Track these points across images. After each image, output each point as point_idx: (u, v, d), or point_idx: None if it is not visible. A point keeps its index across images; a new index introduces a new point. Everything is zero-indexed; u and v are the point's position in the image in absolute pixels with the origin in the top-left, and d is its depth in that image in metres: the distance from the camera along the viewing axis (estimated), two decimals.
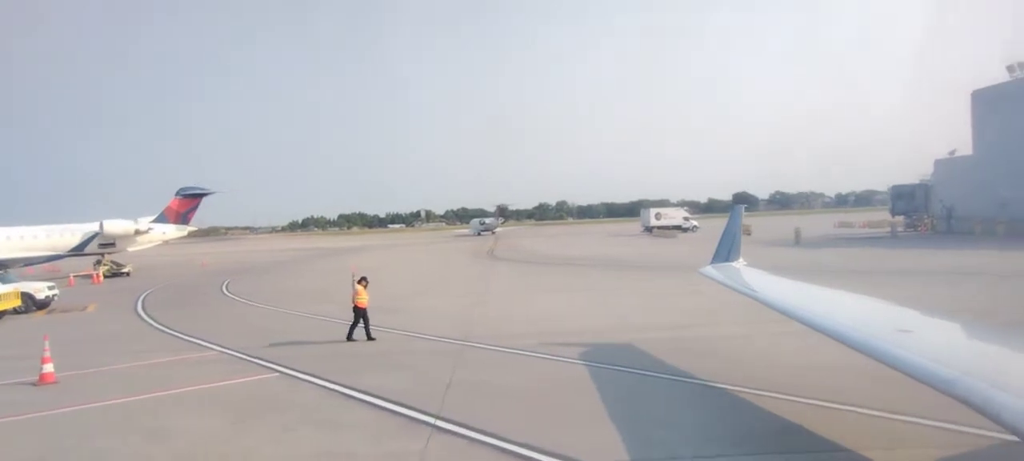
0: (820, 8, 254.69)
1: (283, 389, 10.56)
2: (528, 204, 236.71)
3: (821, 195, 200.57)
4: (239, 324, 18.36)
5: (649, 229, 77.05)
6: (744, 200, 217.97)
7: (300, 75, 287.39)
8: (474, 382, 10.45)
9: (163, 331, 17.49)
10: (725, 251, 11.10)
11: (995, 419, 3.63)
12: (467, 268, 37.35)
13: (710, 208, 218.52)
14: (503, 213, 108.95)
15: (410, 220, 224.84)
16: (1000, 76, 48.03)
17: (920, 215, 56.60)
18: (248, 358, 13.04)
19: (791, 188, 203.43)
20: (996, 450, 6.29)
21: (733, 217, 11.84)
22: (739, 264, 10.70)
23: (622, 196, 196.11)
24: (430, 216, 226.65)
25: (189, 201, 45.48)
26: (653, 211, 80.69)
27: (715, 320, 15.24)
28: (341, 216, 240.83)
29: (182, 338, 16.00)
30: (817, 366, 10.08)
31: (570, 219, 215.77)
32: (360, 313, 13.98)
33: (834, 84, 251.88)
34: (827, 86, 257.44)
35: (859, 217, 78.48)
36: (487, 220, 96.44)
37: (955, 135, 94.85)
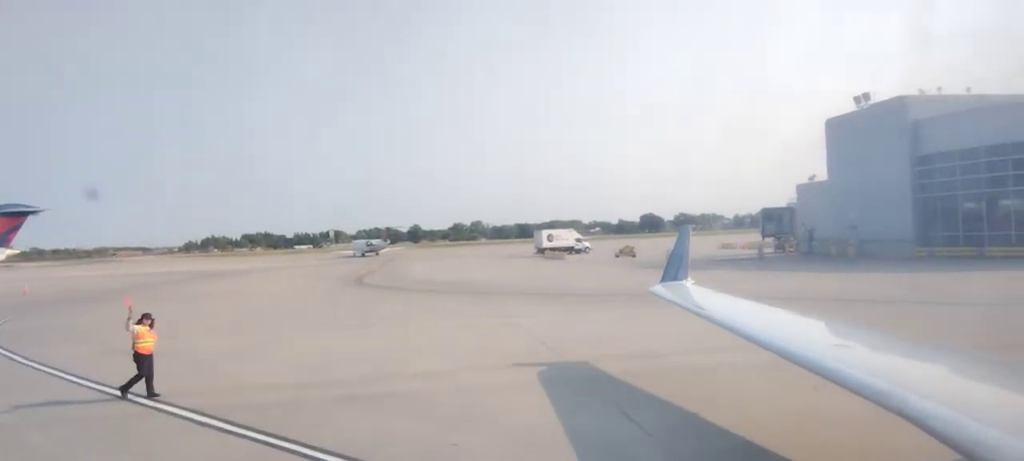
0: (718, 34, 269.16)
1: None
2: (444, 224, 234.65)
3: (721, 217, 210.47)
4: None
5: (541, 251, 76.99)
6: (652, 222, 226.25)
7: (212, 86, 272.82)
8: None
9: None
10: (673, 270, 11.19)
11: (925, 428, 3.72)
12: (313, 296, 35.02)
13: (620, 229, 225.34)
14: (392, 235, 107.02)
15: (319, 240, 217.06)
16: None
17: (787, 237, 59.32)
18: None
19: (694, 210, 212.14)
20: None
21: (681, 237, 11.99)
22: (688, 283, 10.77)
23: (538, 217, 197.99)
24: (340, 236, 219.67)
25: (9, 221, 40.39)
26: (545, 233, 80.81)
27: (497, 377, 13.81)
28: (244, 236, 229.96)
29: None
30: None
31: (483, 239, 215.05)
32: (142, 362, 11.14)
33: (730, 105, 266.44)
34: (723, 108, 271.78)
35: (743, 238, 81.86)
36: (374, 241, 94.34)
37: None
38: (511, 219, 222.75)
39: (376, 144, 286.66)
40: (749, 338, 6.75)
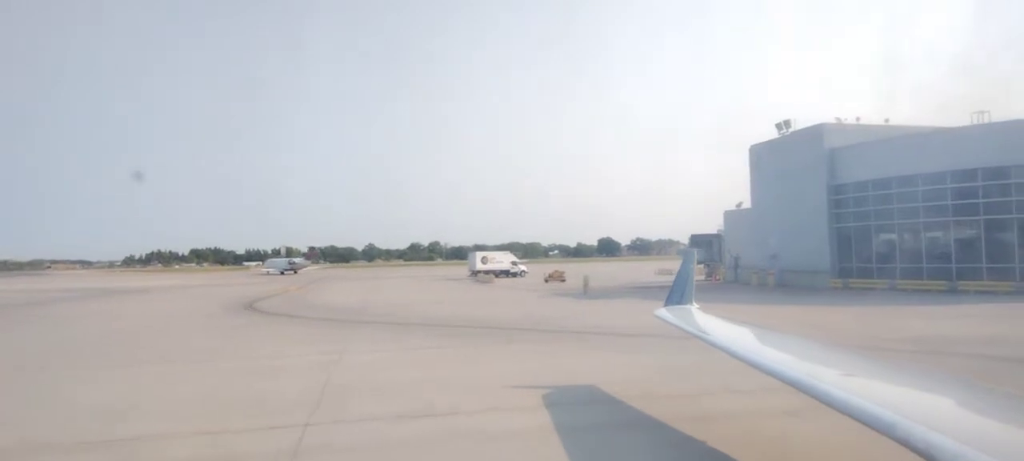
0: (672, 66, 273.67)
1: None
2: (401, 244, 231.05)
3: (677, 242, 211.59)
4: None
5: (475, 273, 74.66)
6: (608, 247, 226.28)
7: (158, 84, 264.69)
8: None
9: None
10: (678, 294, 11.13)
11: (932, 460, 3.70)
12: (175, 321, 31.99)
13: (578, 252, 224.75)
14: (312, 255, 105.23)
15: (268, 257, 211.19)
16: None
17: (716, 265, 58.14)
18: None
19: (652, 234, 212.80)
20: None
21: (686, 262, 11.94)
22: (693, 307, 10.67)
23: (495, 239, 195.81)
24: (291, 252, 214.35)
25: None
26: (479, 255, 78.66)
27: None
28: (193, 251, 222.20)
29: None
30: None
31: (440, 260, 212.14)
32: None
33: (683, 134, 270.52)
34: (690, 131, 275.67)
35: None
36: (296, 260, 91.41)
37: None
38: (470, 240, 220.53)
39: (335, 162, 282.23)
40: (753, 364, 6.62)
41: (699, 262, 60.71)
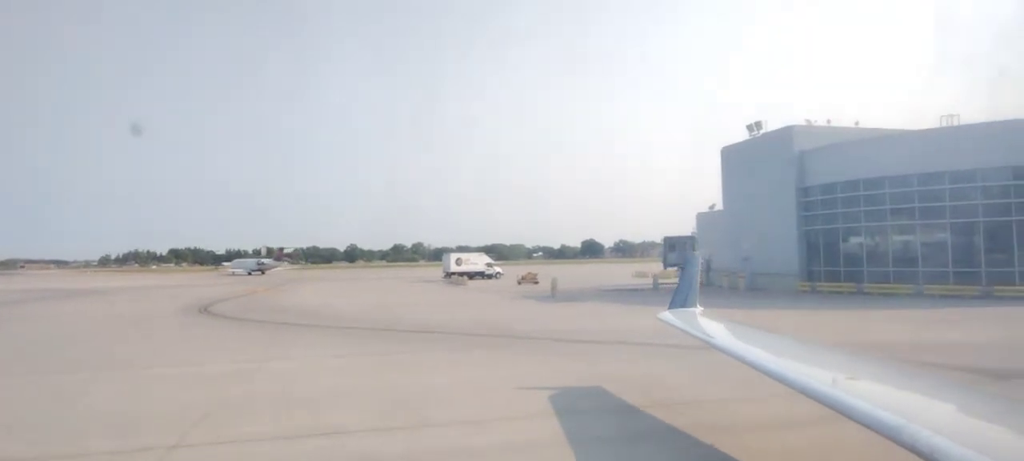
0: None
1: None
2: (384, 245, 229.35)
3: (659, 244, 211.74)
4: None
5: (449, 274, 73.60)
6: (592, 248, 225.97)
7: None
8: None
9: None
10: (682, 297, 10.99)
11: None
12: (118, 325, 30.72)
13: (562, 254, 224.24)
14: (282, 256, 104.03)
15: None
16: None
17: None
18: None
19: (636, 237, 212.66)
20: None
21: (690, 264, 11.86)
22: (697, 310, 10.59)
23: (479, 240, 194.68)
24: (271, 253, 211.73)
25: None
26: (454, 257, 77.54)
27: None
28: (172, 251, 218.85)
29: None
30: None
31: (423, 261, 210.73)
32: None
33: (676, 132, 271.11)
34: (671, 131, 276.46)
35: (659, 267, 79.91)
36: (264, 261, 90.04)
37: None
38: (454, 241, 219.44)
39: (320, 162, 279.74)
40: (757, 368, 6.62)
41: (673, 265, 60.30)
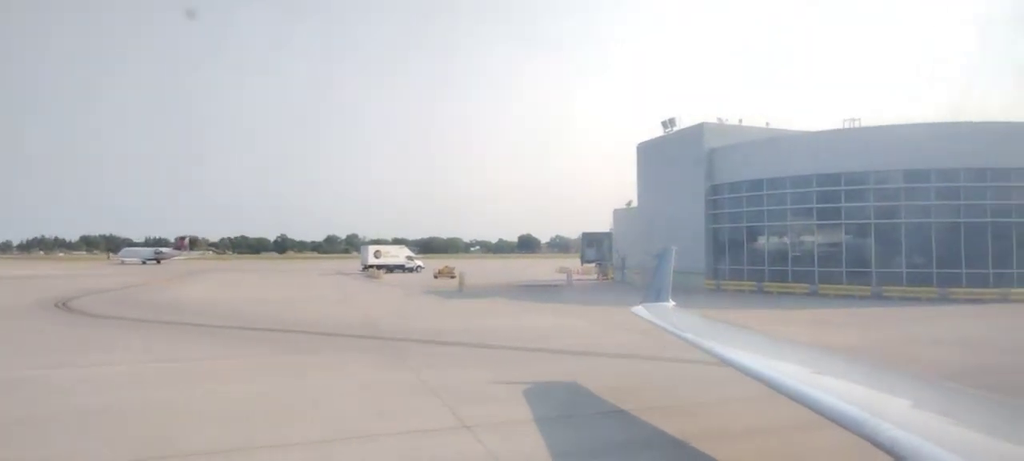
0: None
1: None
2: (318, 236, 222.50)
3: None
4: None
5: (367, 267, 71.13)
6: (528, 243, 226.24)
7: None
8: None
9: None
10: (655, 292, 11.08)
11: (897, 457, 3.79)
12: None
13: (499, 248, 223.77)
14: (182, 244, 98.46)
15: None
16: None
17: (606, 264, 57.34)
18: None
19: (573, 232, 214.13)
20: None
21: (664, 258, 11.86)
22: (669, 305, 10.63)
23: (417, 233, 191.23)
24: (194, 243, 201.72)
25: None
26: (372, 249, 75.01)
27: None
28: (83, 238, 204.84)
29: None
30: None
31: (356, 253, 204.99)
32: None
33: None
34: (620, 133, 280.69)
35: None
36: (162, 249, 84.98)
37: None
38: (390, 234, 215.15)
39: (251, 148, 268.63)
40: (726, 362, 6.72)
41: (589, 261, 60.06)
